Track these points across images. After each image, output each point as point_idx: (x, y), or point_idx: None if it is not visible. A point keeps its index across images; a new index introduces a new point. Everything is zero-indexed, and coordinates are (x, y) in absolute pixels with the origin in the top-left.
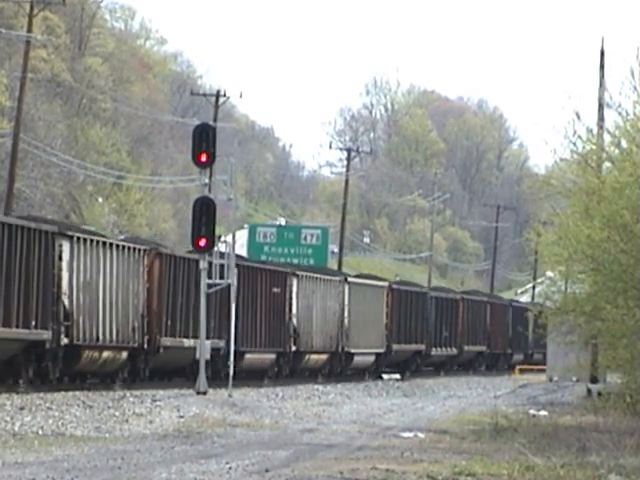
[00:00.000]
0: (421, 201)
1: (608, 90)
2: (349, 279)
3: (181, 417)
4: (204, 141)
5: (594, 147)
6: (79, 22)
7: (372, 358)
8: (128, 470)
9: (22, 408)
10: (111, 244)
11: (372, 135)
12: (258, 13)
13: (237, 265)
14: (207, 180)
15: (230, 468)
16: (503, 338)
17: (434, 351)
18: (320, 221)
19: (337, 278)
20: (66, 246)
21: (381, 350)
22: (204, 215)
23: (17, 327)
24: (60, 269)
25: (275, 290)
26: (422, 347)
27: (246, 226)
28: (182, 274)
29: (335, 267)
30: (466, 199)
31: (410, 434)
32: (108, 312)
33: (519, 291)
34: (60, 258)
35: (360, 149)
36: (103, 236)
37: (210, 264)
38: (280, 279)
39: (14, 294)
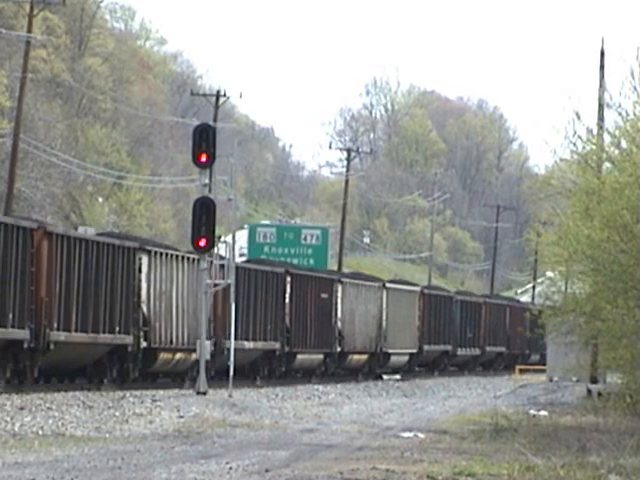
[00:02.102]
0: (421, 201)
1: (608, 90)
2: (387, 284)
3: (181, 417)
4: (204, 141)
5: (594, 147)
6: (79, 22)
7: (406, 358)
8: (128, 470)
9: (22, 408)
10: (182, 257)
11: (372, 135)
12: (258, 13)
13: (290, 273)
14: (207, 180)
15: (230, 468)
16: (521, 339)
17: (459, 351)
18: (320, 221)
19: (376, 284)
20: (145, 259)
21: (414, 350)
22: (204, 215)
23: (104, 333)
24: (140, 280)
25: (323, 296)
26: (449, 347)
27: (246, 226)
28: (245, 283)
29: (335, 267)
30: (466, 199)
31: (410, 434)
32: (180, 318)
33: (519, 291)
34: (140, 270)
35: (360, 149)
36: (175, 249)
37: (213, 264)
38: (327, 285)
39: (101, 303)
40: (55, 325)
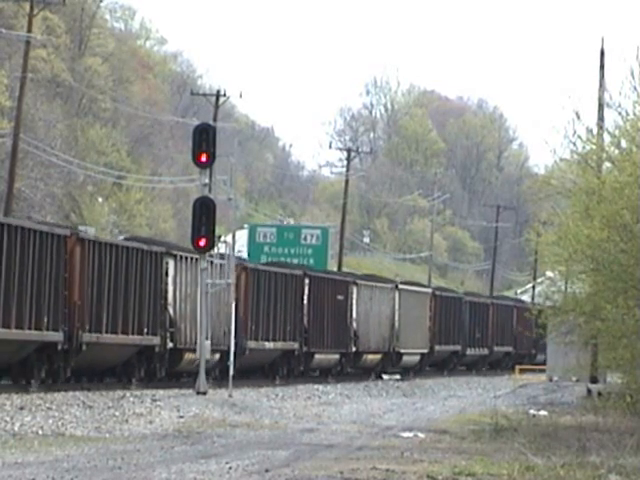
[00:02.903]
0: (421, 201)
1: (608, 90)
2: (399, 286)
3: (181, 417)
4: (204, 141)
5: (594, 147)
6: (79, 22)
7: (418, 358)
8: (128, 470)
9: (22, 408)
10: (208, 261)
11: (372, 135)
12: (258, 13)
13: (308, 276)
14: (207, 180)
15: (230, 468)
16: (528, 339)
17: (469, 351)
18: (320, 221)
19: (389, 285)
20: (171, 263)
21: (425, 350)
22: (204, 215)
23: (133, 334)
24: (166, 283)
25: (339, 297)
26: (459, 348)
27: (246, 226)
28: (265, 285)
29: (335, 267)
30: (466, 199)
31: (410, 434)
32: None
33: (519, 291)
34: (167, 274)
35: (360, 149)
36: (194, 253)
37: (211, 264)
38: (343, 287)
39: (130, 306)
40: (87, 327)
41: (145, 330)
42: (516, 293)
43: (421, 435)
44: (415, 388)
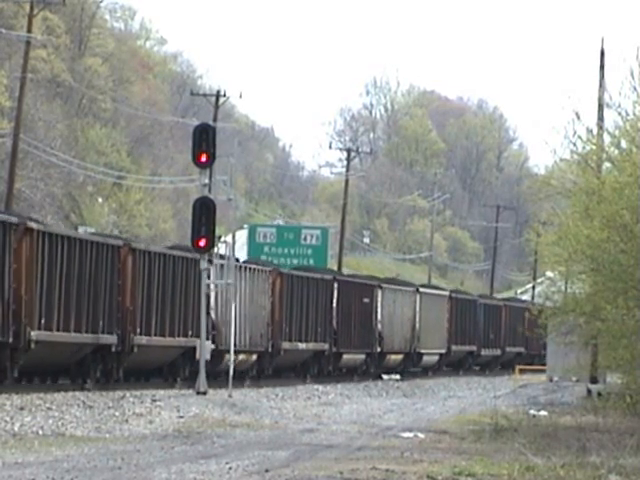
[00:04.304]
0: (421, 201)
1: (608, 90)
2: (420, 289)
3: (181, 417)
4: (204, 141)
5: (594, 147)
6: (79, 22)
7: (436, 358)
8: (128, 470)
9: (22, 408)
10: (246, 267)
11: (372, 135)
12: (258, 13)
13: (337, 280)
14: (207, 180)
15: (230, 468)
16: (537, 340)
17: (483, 352)
18: (320, 221)
19: (411, 289)
20: (212, 270)
21: (443, 351)
22: (204, 215)
23: (179, 336)
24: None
25: (365, 300)
26: (474, 348)
27: (246, 226)
28: (298, 289)
29: (335, 267)
30: (466, 199)
31: (410, 434)
32: (243, 322)
33: (519, 291)
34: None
35: (360, 149)
36: (237, 260)
37: (213, 265)
38: (368, 291)
39: (177, 311)
40: (138, 330)
41: (190, 333)
42: (516, 293)
43: (421, 435)
44: (415, 388)
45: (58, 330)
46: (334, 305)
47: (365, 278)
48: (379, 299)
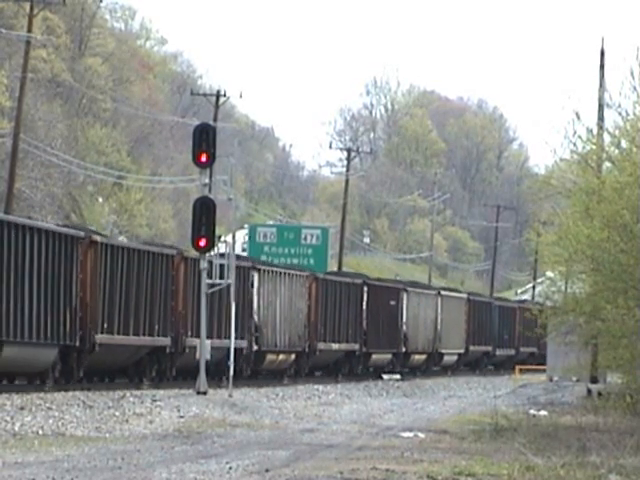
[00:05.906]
0: (421, 201)
1: (608, 90)
2: (442, 292)
3: (181, 417)
4: (204, 141)
5: (594, 147)
6: (79, 22)
7: (456, 357)
8: (128, 470)
9: (22, 408)
10: (285, 273)
11: (372, 135)
12: (258, 13)
13: (367, 284)
14: (207, 180)
15: (230, 468)
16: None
17: (498, 352)
18: (320, 221)
19: (433, 292)
20: (256, 276)
21: (462, 351)
22: (204, 215)
23: (226, 338)
24: (252, 294)
25: (392, 302)
26: (490, 348)
27: (246, 226)
28: (331, 293)
29: (335, 267)
30: (466, 199)
31: (410, 434)
32: (282, 324)
33: (519, 291)
34: (252, 286)
35: (360, 149)
36: (275, 266)
37: (214, 264)
38: (395, 294)
39: (223, 314)
40: (189, 333)
41: (237, 335)
42: (516, 293)
43: (421, 435)
44: (415, 388)
45: (119, 334)
46: (364, 307)
47: (392, 282)
48: (404, 302)
